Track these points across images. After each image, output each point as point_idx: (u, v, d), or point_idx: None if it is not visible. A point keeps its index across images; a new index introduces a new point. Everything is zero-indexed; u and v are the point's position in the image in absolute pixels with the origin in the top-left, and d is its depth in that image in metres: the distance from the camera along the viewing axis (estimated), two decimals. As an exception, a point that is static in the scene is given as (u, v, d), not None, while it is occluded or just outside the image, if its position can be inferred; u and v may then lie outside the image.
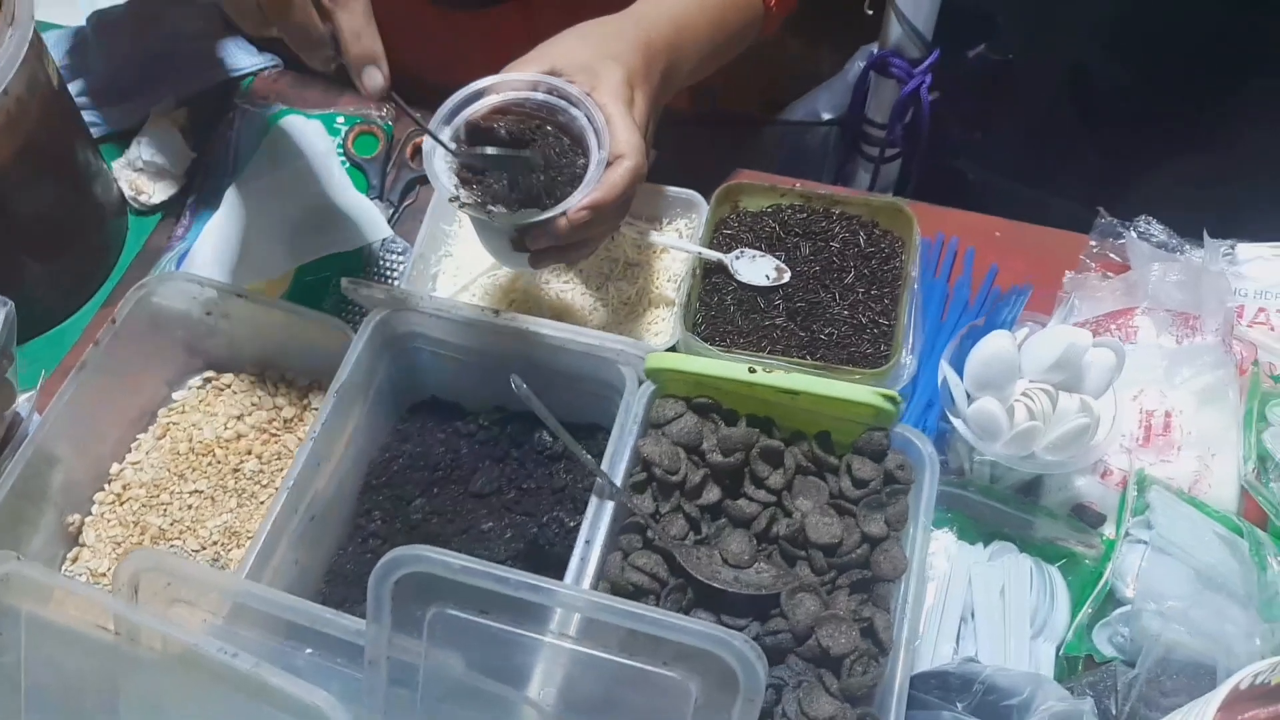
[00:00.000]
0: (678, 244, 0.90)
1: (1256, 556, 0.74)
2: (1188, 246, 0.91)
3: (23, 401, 0.77)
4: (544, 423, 0.69)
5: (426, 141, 0.72)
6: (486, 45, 0.82)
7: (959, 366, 0.75)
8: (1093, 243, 0.94)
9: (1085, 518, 0.80)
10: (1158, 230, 0.93)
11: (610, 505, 0.70)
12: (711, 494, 0.73)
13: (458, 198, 0.71)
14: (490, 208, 0.71)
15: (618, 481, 0.71)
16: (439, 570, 0.54)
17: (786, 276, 0.85)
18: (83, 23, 1.06)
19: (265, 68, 1.08)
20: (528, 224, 0.71)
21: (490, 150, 0.72)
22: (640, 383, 0.75)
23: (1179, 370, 0.82)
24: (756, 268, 0.85)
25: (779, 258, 0.86)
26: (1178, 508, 0.77)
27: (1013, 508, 0.79)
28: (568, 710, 0.58)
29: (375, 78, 0.65)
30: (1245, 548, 0.75)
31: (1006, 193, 1.69)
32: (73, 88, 1.01)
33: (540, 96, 0.74)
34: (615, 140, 0.72)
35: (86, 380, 0.78)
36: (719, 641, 0.53)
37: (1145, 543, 0.76)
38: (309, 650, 0.61)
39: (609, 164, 0.71)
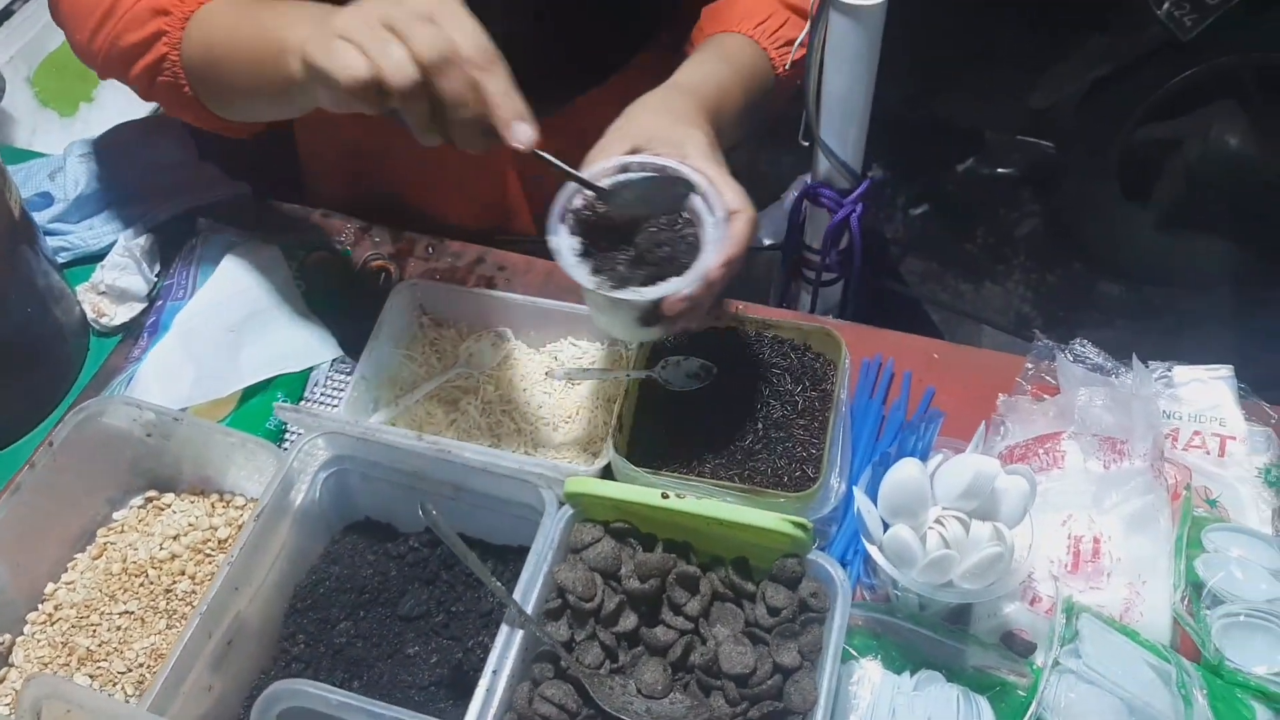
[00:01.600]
0: (605, 374, 0.91)
1: (1183, 689, 0.73)
2: (1123, 370, 0.92)
3: (-43, 523, 0.78)
4: (452, 549, 0.69)
5: (550, 242, 0.75)
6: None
7: (875, 495, 0.75)
8: (1028, 365, 0.95)
9: (1015, 646, 0.78)
10: (1093, 353, 0.93)
11: (521, 634, 0.70)
12: (628, 621, 0.73)
13: (599, 288, 0.74)
14: (628, 288, 0.73)
15: (530, 608, 0.71)
16: (318, 705, 0.54)
17: (713, 371, 0.86)
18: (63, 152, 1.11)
19: (234, 196, 1.12)
20: (669, 294, 0.73)
21: (631, 177, 0.76)
22: (560, 506, 0.76)
23: (1107, 495, 0.82)
24: (682, 370, 0.87)
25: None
26: (1107, 636, 0.76)
27: (941, 635, 0.78)
28: None
29: (526, 131, 0.69)
30: (1175, 678, 0.74)
31: (951, 315, 1.70)
32: (47, 213, 1.06)
33: (636, 173, 0.77)
34: (725, 196, 0.75)
35: (23, 501, 0.79)
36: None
37: (1074, 672, 0.74)
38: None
39: (727, 220, 0.74)
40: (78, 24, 0.91)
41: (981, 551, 0.71)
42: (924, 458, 0.75)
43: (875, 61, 0.86)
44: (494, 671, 0.68)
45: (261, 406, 0.93)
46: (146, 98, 0.94)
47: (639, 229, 0.76)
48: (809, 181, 0.95)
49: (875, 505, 0.74)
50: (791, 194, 1.00)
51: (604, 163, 0.78)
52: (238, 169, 1.16)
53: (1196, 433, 0.88)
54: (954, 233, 2.45)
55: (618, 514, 0.75)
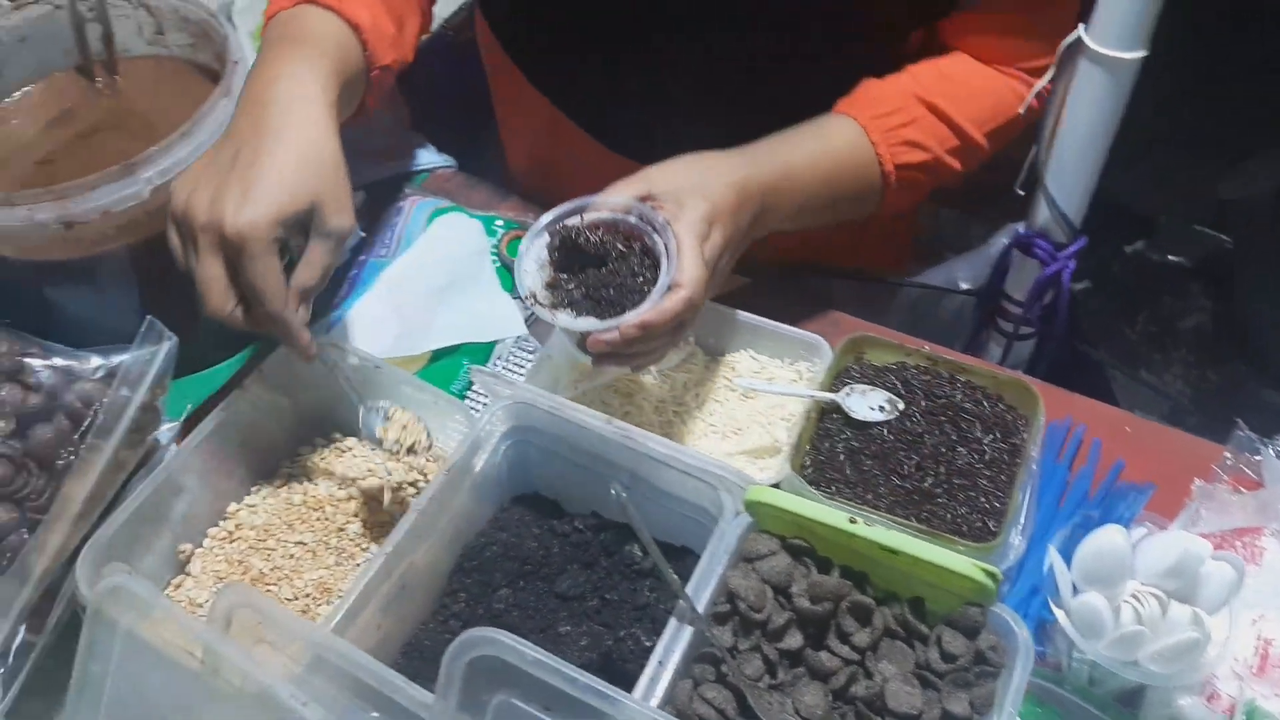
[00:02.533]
0: (791, 390, 0.91)
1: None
2: (1333, 473, 0.87)
3: (165, 430, 0.83)
4: (637, 535, 0.69)
5: (523, 244, 0.82)
6: None
7: (1068, 557, 0.73)
8: (1227, 455, 0.91)
9: (1186, 741, 0.75)
10: (1300, 452, 0.89)
11: (688, 631, 0.70)
12: (794, 639, 0.72)
13: (534, 297, 0.80)
14: (557, 312, 0.79)
15: (699, 608, 0.71)
16: (512, 658, 0.55)
17: (900, 407, 0.85)
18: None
19: (441, 166, 1.16)
20: (585, 330, 0.78)
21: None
22: (737, 513, 0.76)
23: (1307, 601, 0.77)
24: (866, 401, 0.86)
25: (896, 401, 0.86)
26: (1290, 749, 0.72)
27: (1109, 716, 0.75)
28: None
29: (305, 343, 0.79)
30: (1362, 807, 0.69)
31: (1143, 391, 1.63)
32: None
33: (632, 219, 0.81)
34: (680, 271, 0.77)
35: (225, 422, 0.83)
36: (776, 786, 0.51)
37: (1249, 780, 0.70)
38: (375, 714, 0.62)
39: (669, 290, 0.77)
40: None
41: (1178, 635, 0.68)
42: (1126, 528, 0.72)
43: (1118, 117, 0.83)
44: (659, 662, 0.68)
45: (449, 369, 0.96)
46: None
47: (606, 268, 0.80)
48: (1021, 230, 0.93)
49: (1068, 567, 0.71)
50: (1000, 241, 0.98)
51: (611, 197, 0.82)
52: (446, 143, 1.21)
53: None
54: (1113, 314, 2.37)
55: (796, 530, 0.74)
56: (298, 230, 0.76)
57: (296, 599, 0.82)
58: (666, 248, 0.79)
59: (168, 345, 0.75)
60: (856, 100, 0.94)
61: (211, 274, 0.74)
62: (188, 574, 0.83)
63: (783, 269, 1.04)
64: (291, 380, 0.87)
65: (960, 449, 0.85)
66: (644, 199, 0.81)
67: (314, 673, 0.65)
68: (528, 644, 0.56)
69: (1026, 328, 0.96)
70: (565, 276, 0.81)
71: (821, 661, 0.71)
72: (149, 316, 0.76)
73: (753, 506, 0.75)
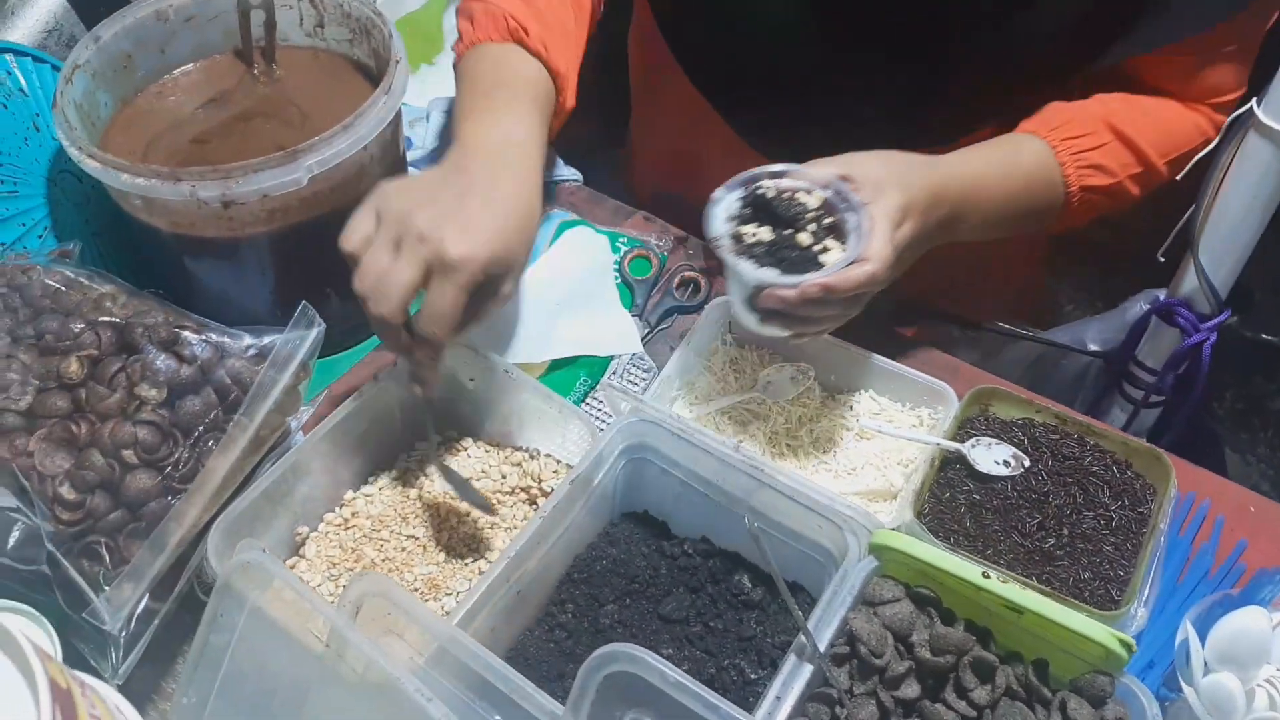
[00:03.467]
0: (915, 435, 0.90)
1: None
2: None
3: (302, 412, 0.84)
4: (766, 566, 0.69)
5: (716, 193, 0.85)
6: None
7: (1200, 633, 0.71)
8: (1357, 544, 0.88)
9: (1306, 839, 0.72)
10: None
11: (807, 669, 0.69)
12: (911, 689, 0.71)
13: (719, 240, 0.82)
14: (740, 259, 0.81)
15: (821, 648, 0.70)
16: (652, 677, 0.55)
17: (1025, 464, 0.84)
18: (426, 105, 1.19)
19: (568, 179, 1.17)
20: (764, 282, 0.80)
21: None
22: (861, 557, 0.75)
23: None
24: (991, 455, 0.85)
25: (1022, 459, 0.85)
26: None
27: (1227, 803, 0.72)
28: None
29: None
30: None
31: (1269, 472, 1.59)
32: (407, 156, 1.14)
33: (828, 193, 0.84)
34: (868, 246, 0.80)
35: (353, 411, 0.84)
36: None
37: None
38: (497, 717, 0.62)
39: (854, 262, 0.80)
40: None
41: (1317, 728, 0.65)
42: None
43: (1280, 193, 0.82)
44: (777, 697, 0.67)
45: (566, 379, 0.97)
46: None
47: (793, 232, 0.83)
48: (1162, 297, 0.91)
49: (1202, 645, 0.69)
50: (1139, 305, 0.96)
51: (809, 170, 0.85)
52: (573, 156, 1.22)
53: None
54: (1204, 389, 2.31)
55: (921, 579, 0.73)
56: (484, 280, 0.78)
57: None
58: (859, 225, 0.81)
59: (316, 331, 0.76)
60: (1046, 120, 0.96)
61: (406, 278, 0.75)
62: (301, 556, 0.84)
63: (899, 307, 1.03)
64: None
65: (1086, 513, 0.83)
66: (843, 179, 0.83)
67: (436, 666, 0.66)
68: (670, 665, 0.55)
69: (1157, 396, 0.94)
70: (750, 231, 0.83)
71: (938, 714, 0.69)
72: (303, 302, 0.77)
73: (879, 550, 0.74)
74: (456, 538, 0.87)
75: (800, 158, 0.86)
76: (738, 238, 0.83)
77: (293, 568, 0.84)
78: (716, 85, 1.08)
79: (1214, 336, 0.87)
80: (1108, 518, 0.83)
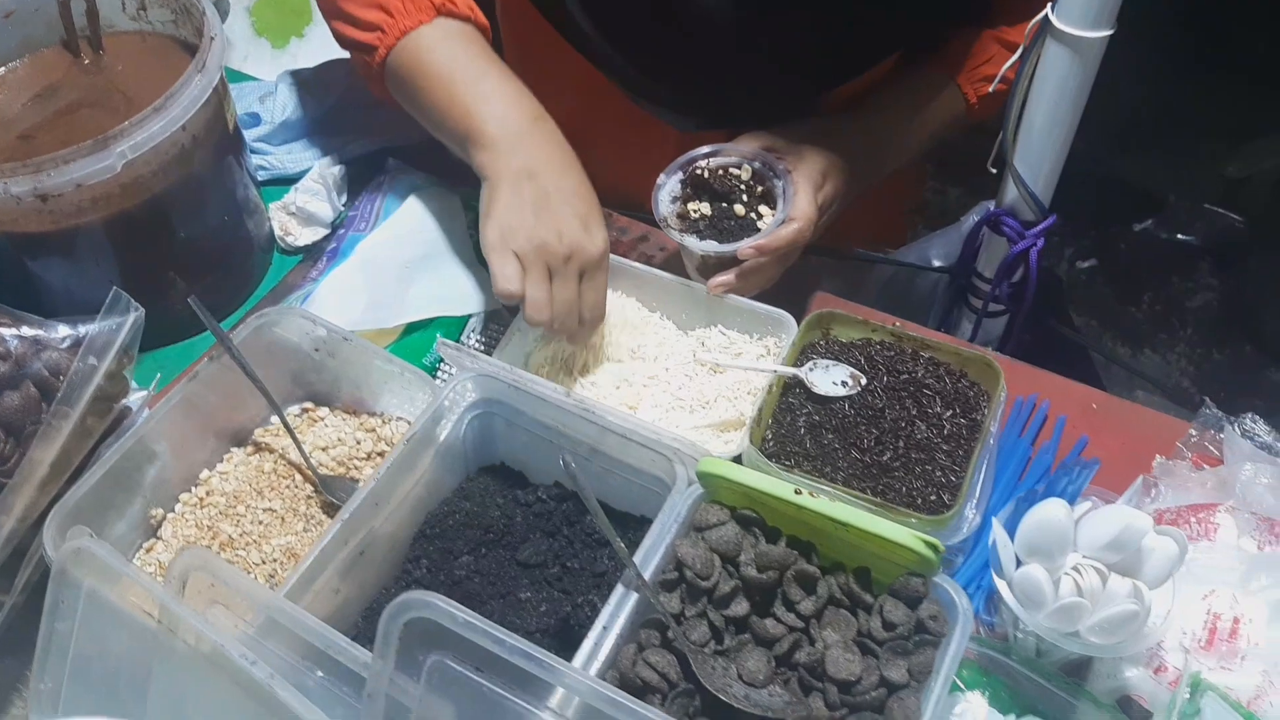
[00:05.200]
0: (751, 365, 0.92)
1: (1310, 792, 0.69)
2: (1294, 453, 0.87)
3: (137, 398, 0.85)
4: (584, 503, 0.71)
5: (660, 179, 0.96)
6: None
7: (1015, 531, 0.73)
8: (1193, 432, 0.91)
9: (1131, 712, 0.75)
10: (1263, 430, 0.89)
11: (634, 597, 0.72)
12: (740, 607, 0.73)
13: (666, 220, 0.94)
14: (685, 236, 0.93)
15: (647, 576, 0.72)
16: (444, 620, 0.57)
17: (861, 382, 0.86)
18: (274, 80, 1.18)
19: (423, 142, 1.17)
20: (707, 252, 0.92)
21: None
22: (690, 484, 0.77)
23: (1256, 577, 0.77)
24: (829, 376, 0.87)
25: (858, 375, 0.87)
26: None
27: (1055, 685, 0.75)
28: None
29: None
30: (1301, 779, 0.70)
31: (1118, 371, 1.63)
32: (253, 133, 1.13)
33: (756, 165, 0.96)
34: (794, 208, 0.91)
35: (196, 391, 0.85)
36: (691, 744, 0.53)
37: (1190, 751, 0.71)
38: (320, 674, 0.64)
39: (784, 223, 0.91)
40: None
41: (1116, 607, 0.68)
42: (1072, 502, 0.72)
43: (1085, 96, 0.83)
44: (604, 627, 0.70)
45: (421, 342, 0.97)
46: (343, 48, 1.01)
47: (729, 204, 0.95)
48: (992, 208, 0.93)
49: (1012, 541, 0.72)
50: (971, 218, 0.98)
51: (737, 145, 0.96)
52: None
53: (1368, 531, 0.83)
54: (1120, 293, 2.35)
55: (746, 501, 0.76)
56: None
57: (264, 564, 0.84)
58: (785, 190, 0.93)
59: (133, 316, 0.77)
60: (947, 58, 1.04)
61: (572, 294, 0.87)
62: (159, 538, 0.86)
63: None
64: (265, 347, 0.89)
65: (919, 424, 0.86)
66: (767, 149, 0.95)
67: (267, 635, 0.67)
68: (459, 607, 0.57)
69: (996, 305, 0.96)
70: (694, 209, 0.95)
71: (766, 628, 0.72)
72: (115, 288, 0.78)
73: (704, 478, 0.76)
74: (315, 506, 0.88)
75: (710, 120, 0.97)
76: (683, 216, 0.95)
77: (149, 550, 0.85)
78: (608, 55, 1.08)
79: (1040, 242, 0.89)
80: (940, 427, 0.85)
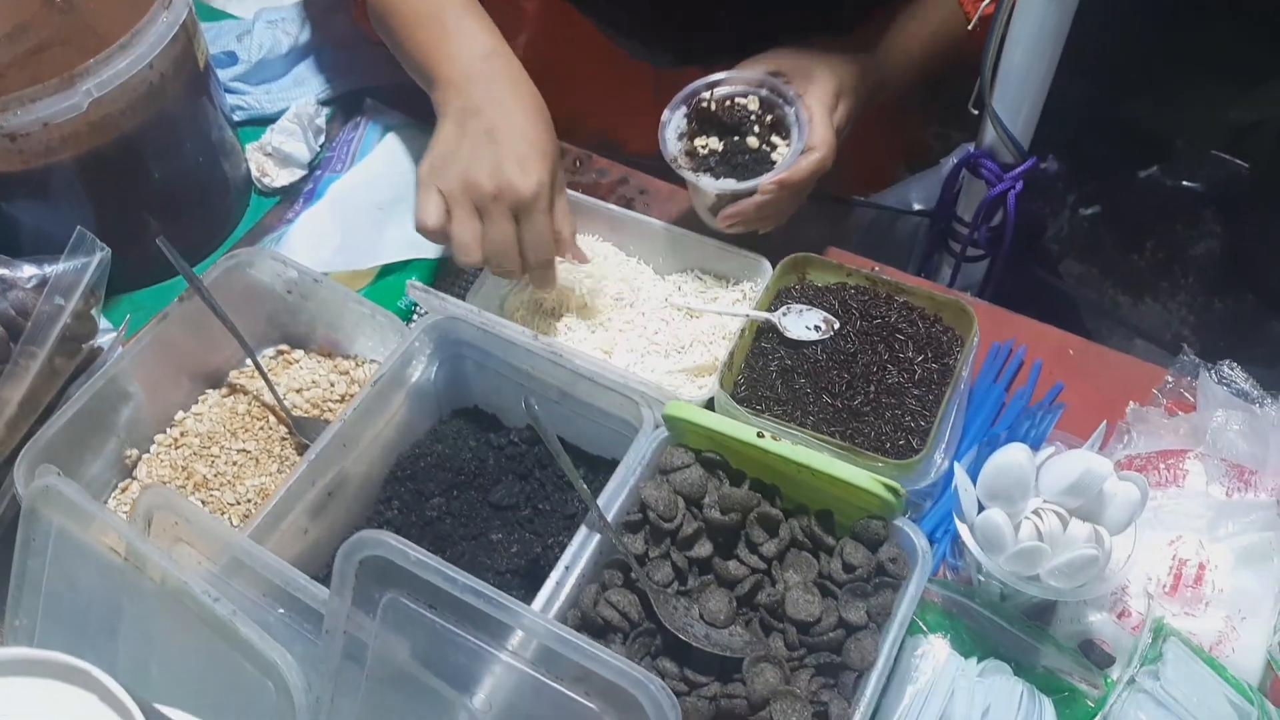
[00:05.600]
0: (723, 309, 0.91)
1: (1264, 733, 0.69)
2: (1269, 400, 0.87)
3: (109, 339, 0.85)
4: (547, 445, 0.71)
5: (664, 115, 0.91)
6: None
7: (978, 475, 0.73)
8: (1169, 379, 0.90)
9: (1093, 655, 0.76)
10: (1240, 378, 0.88)
11: (597, 538, 0.72)
12: (703, 548, 0.74)
13: (676, 160, 0.89)
14: (700, 174, 0.88)
15: (611, 516, 0.73)
16: (397, 558, 0.57)
17: (835, 326, 0.86)
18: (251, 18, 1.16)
19: (401, 82, 1.16)
20: (724, 190, 0.87)
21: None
22: (656, 427, 0.77)
23: (1223, 523, 0.78)
24: (803, 321, 0.86)
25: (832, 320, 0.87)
26: (1192, 665, 0.73)
27: (1018, 629, 0.76)
28: (492, 716, 0.59)
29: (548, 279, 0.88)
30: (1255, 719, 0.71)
31: (1102, 318, 1.61)
32: (230, 72, 1.12)
33: (764, 93, 0.91)
34: (812, 135, 0.87)
35: (167, 331, 0.85)
36: (636, 682, 0.54)
37: (1149, 694, 0.72)
38: (280, 610, 0.65)
39: (802, 153, 0.86)
40: None
41: (1075, 551, 0.69)
42: (1036, 447, 0.72)
43: (1062, 38, 0.81)
44: (566, 567, 0.70)
45: (396, 285, 0.97)
46: None
47: (740, 137, 0.89)
48: (971, 150, 0.92)
49: (975, 485, 0.72)
50: (951, 161, 0.97)
51: (741, 73, 0.91)
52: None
53: (1338, 479, 0.82)
54: (1122, 240, 2.32)
55: (711, 444, 0.76)
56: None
57: (238, 504, 0.85)
58: (798, 116, 0.88)
59: (99, 255, 0.77)
60: None
61: (507, 232, 0.82)
62: (134, 478, 0.86)
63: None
64: (238, 289, 0.89)
65: (891, 368, 0.85)
66: (773, 74, 0.90)
67: (231, 573, 0.68)
68: (411, 545, 0.58)
69: (975, 249, 0.95)
70: (702, 145, 0.90)
71: (728, 569, 0.73)
72: (79, 228, 0.77)
73: (670, 421, 0.76)
74: (289, 447, 0.89)
75: (686, 55, 0.93)
76: (692, 153, 0.90)
77: (125, 490, 0.86)
78: None
79: (1019, 185, 0.88)
80: (911, 371, 0.85)
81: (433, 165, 0.83)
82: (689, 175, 0.88)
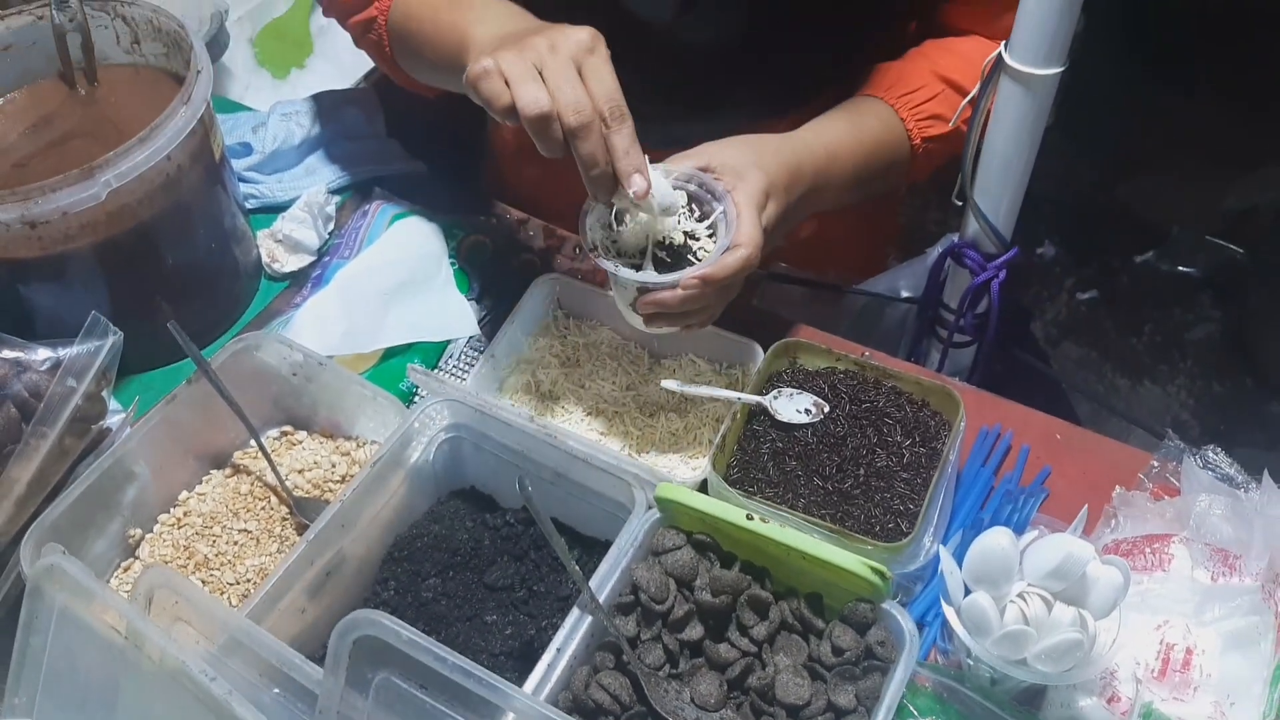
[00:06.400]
0: (715, 392, 0.93)
1: (1254, 822, 0.69)
2: (1254, 486, 0.88)
3: (118, 419, 0.87)
4: (540, 525, 0.73)
5: (585, 204, 0.86)
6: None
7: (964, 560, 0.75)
8: (1154, 463, 0.92)
9: (1083, 741, 0.76)
10: (1224, 462, 0.90)
11: (589, 620, 0.73)
12: (694, 631, 0.75)
13: (595, 248, 0.85)
14: (619, 264, 0.84)
15: (603, 598, 0.74)
16: (389, 638, 0.59)
17: (825, 410, 0.88)
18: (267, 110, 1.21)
19: (410, 172, 1.20)
20: (645, 284, 0.83)
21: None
22: (649, 509, 0.78)
23: (1210, 608, 0.78)
24: (793, 404, 0.88)
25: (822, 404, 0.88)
26: (1183, 752, 0.73)
27: (1008, 714, 0.76)
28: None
29: (640, 183, 0.79)
30: (1248, 810, 0.71)
31: (1095, 404, 1.63)
32: (245, 161, 1.16)
33: (691, 187, 0.87)
34: (738, 233, 0.83)
35: (176, 412, 0.87)
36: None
37: (1140, 781, 0.72)
38: (276, 690, 0.66)
39: (728, 249, 0.83)
40: None
41: (1060, 635, 0.70)
42: (1020, 531, 0.74)
43: (1040, 132, 0.85)
44: (558, 649, 0.71)
45: (399, 368, 1.00)
46: (358, 46, 1.07)
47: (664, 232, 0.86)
48: (955, 240, 0.95)
49: (960, 569, 0.73)
50: (936, 250, 1.00)
51: (675, 166, 0.87)
52: (418, 148, 1.25)
53: (1323, 565, 0.83)
54: (1120, 324, 2.35)
55: (702, 526, 0.77)
56: None
57: (238, 583, 0.86)
58: (725, 213, 0.85)
59: (111, 339, 0.79)
60: (880, 82, 1.00)
61: (573, 83, 0.76)
62: (136, 558, 0.88)
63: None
64: (245, 372, 0.91)
65: (880, 451, 0.87)
66: (703, 170, 0.87)
67: (228, 652, 0.69)
68: (404, 625, 0.59)
69: (961, 335, 0.98)
70: (626, 230, 0.86)
71: (719, 652, 0.74)
72: (93, 312, 0.80)
73: (662, 503, 0.78)
74: (290, 528, 0.90)
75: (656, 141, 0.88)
76: (614, 243, 0.86)
77: (127, 569, 0.87)
78: None
79: (1002, 274, 0.91)
80: (900, 455, 0.87)
81: (482, 51, 0.80)
82: (608, 265, 0.84)
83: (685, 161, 0.87)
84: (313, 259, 1.11)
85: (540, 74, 0.77)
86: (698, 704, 0.72)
